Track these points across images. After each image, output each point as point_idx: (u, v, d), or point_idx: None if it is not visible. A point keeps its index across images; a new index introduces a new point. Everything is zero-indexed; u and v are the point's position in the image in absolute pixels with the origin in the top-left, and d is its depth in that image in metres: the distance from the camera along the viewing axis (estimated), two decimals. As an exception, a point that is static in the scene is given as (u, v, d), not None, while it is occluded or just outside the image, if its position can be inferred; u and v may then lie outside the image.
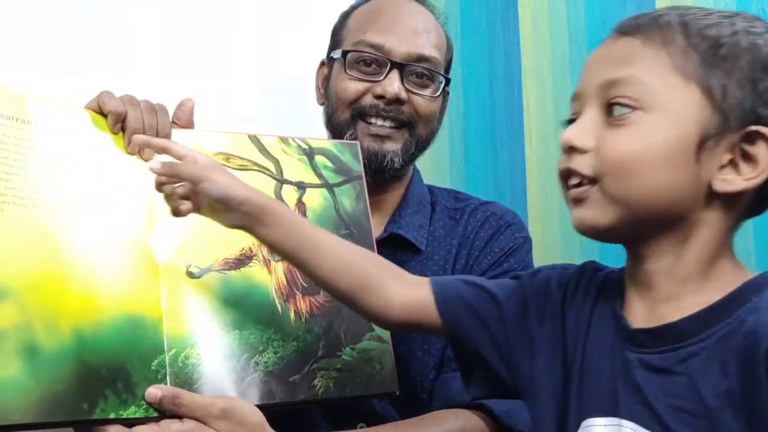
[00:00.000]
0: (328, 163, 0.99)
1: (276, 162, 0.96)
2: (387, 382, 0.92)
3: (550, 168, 1.58)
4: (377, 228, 1.11)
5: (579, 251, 1.53)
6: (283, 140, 0.97)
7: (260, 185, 0.92)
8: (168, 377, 0.79)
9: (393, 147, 1.08)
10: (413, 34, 1.09)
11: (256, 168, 0.94)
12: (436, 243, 1.11)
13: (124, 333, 0.79)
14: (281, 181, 0.95)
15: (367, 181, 1.08)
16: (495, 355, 0.79)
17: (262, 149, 0.95)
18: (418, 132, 1.10)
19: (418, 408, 1.03)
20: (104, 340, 0.78)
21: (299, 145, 0.98)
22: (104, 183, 0.85)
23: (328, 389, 0.87)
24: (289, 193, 0.95)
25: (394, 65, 1.07)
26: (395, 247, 1.09)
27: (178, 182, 0.83)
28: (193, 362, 0.81)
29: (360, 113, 1.08)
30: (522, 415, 0.99)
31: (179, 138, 0.90)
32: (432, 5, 1.17)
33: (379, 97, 1.07)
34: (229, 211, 0.80)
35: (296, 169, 0.97)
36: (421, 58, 1.09)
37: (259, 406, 0.82)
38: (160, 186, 0.84)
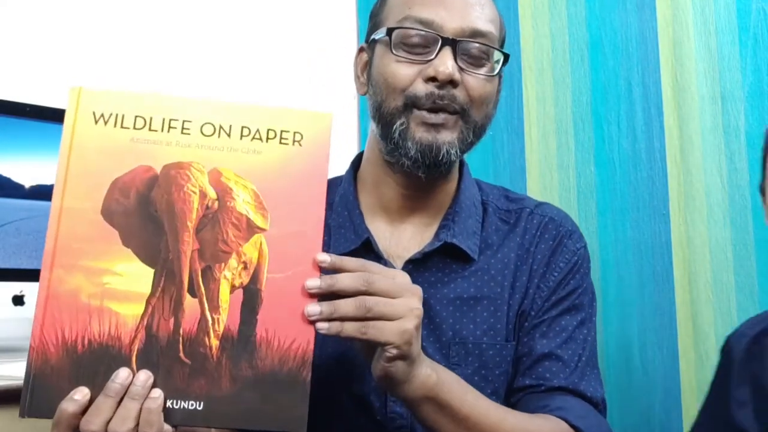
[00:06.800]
0: None
1: None
2: None
3: (550, 168, 1.58)
4: (426, 234, 1.02)
5: (579, 251, 1.53)
6: None
7: None
8: None
9: (449, 137, 0.95)
10: (465, 6, 0.96)
11: None
12: (489, 251, 1.02)
13: None
14: None
15: (419, 178, 0.99)
16: None
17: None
18: (472, 118, 0.97)
19: None
20: None
21: None
22: None
23: None
24: None
25: (446, 42, 0.94)
26: (445, 256, 1.00)
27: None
28: None
29: (413, 102, 0.95)
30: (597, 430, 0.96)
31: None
32: None
33: (431, 79, 0.94)
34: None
35: None
36: (476, 33, 0.95)
37: None
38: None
